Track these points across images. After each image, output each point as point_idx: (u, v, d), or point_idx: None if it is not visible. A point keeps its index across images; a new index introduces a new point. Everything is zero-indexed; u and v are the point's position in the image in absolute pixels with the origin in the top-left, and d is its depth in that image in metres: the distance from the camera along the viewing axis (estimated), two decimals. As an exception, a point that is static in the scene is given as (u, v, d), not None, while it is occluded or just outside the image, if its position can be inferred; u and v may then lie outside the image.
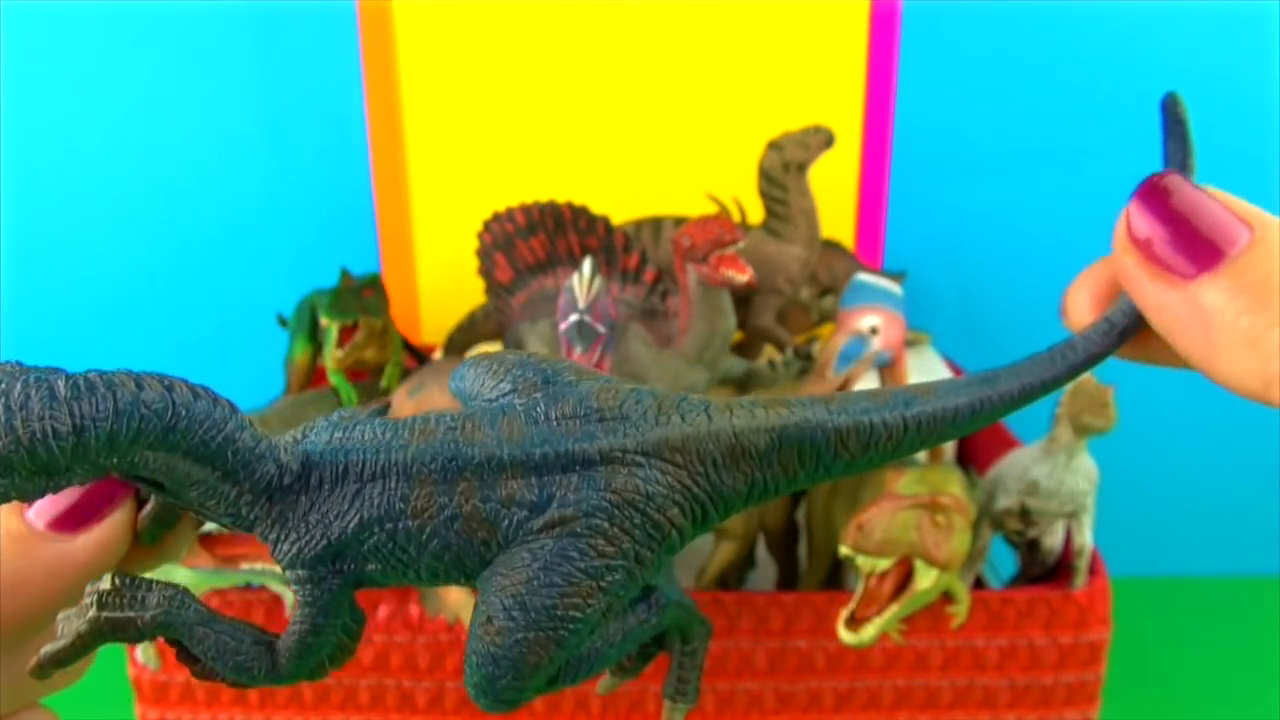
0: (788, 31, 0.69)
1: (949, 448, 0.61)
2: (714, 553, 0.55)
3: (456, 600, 0.48)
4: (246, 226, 0.82)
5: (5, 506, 0.19)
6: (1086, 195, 0.80)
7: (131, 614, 0.19)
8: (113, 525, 0.20)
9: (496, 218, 0.57)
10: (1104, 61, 0.77)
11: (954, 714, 0.50)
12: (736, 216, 0.59)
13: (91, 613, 0.19)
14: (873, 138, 0.71)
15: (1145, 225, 0.21)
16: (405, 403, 0.55)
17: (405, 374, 0.59)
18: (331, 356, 0.58)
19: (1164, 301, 0.19)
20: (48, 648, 0.19)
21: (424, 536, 0.20)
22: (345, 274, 0.59)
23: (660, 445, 0.20)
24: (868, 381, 0.56)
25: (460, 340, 0.63)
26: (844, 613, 0.45)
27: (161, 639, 0.20)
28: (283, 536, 0.20)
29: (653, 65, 0.70)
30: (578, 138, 0.71)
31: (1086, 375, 0.51)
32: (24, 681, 0.20)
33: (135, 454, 0.18)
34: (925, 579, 0.44)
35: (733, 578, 0.55)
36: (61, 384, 0.17)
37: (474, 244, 0.58)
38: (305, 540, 0.20)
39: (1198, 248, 0.19)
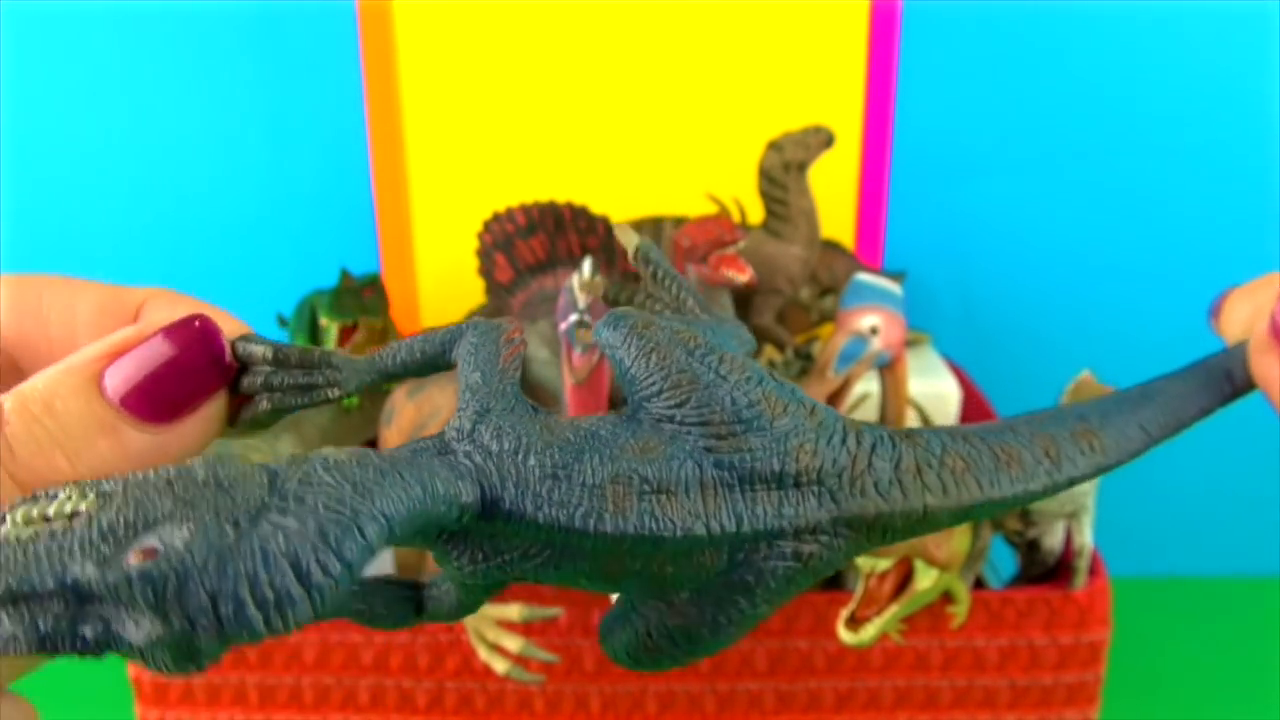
0: (788, 31, 0.69)
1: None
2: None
3: (456, 600, 0.48)
4: (246, 227, 0.82)
5: (81, 388, 0.17)
6: (1087, 195, 0.80)
7: None
8: (206, 417, 0.18)
9: (496, 218, 0.57)
10: (1104, 61, 0.77)
11: (954, 714, 0.50)
12: (736, 216, 0.59)
13: None
14: (873, 138, 0.71)
15: None
16: (405, 403, 0.55)
17: (405, 374, 0.59)
18: (331, 356, 0.57)
19: None
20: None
21: (610, 571, 0.19)
22: (345, 274, 0.59)
23: (853, 520, 0.20)
24: (867, 382, 0.56)
25: (460, 340, 0.63)
26: (844, 613, 0.45)
27: None
28: (463, 555, 0.19)
29: (652, 65, 0.70)
30: (578, 138, 0.71)
31: (1085, 374, 0.51)
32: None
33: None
34: (925, 579, 0.44)
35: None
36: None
37: (474, 244, 0.58)
38: (482, 559, 0.19)
39: None
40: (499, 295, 0.59)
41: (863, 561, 0.44)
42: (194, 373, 0.18)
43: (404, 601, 0.20)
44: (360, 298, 0.58)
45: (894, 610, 0.44)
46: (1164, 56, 0.76)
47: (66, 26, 0.77)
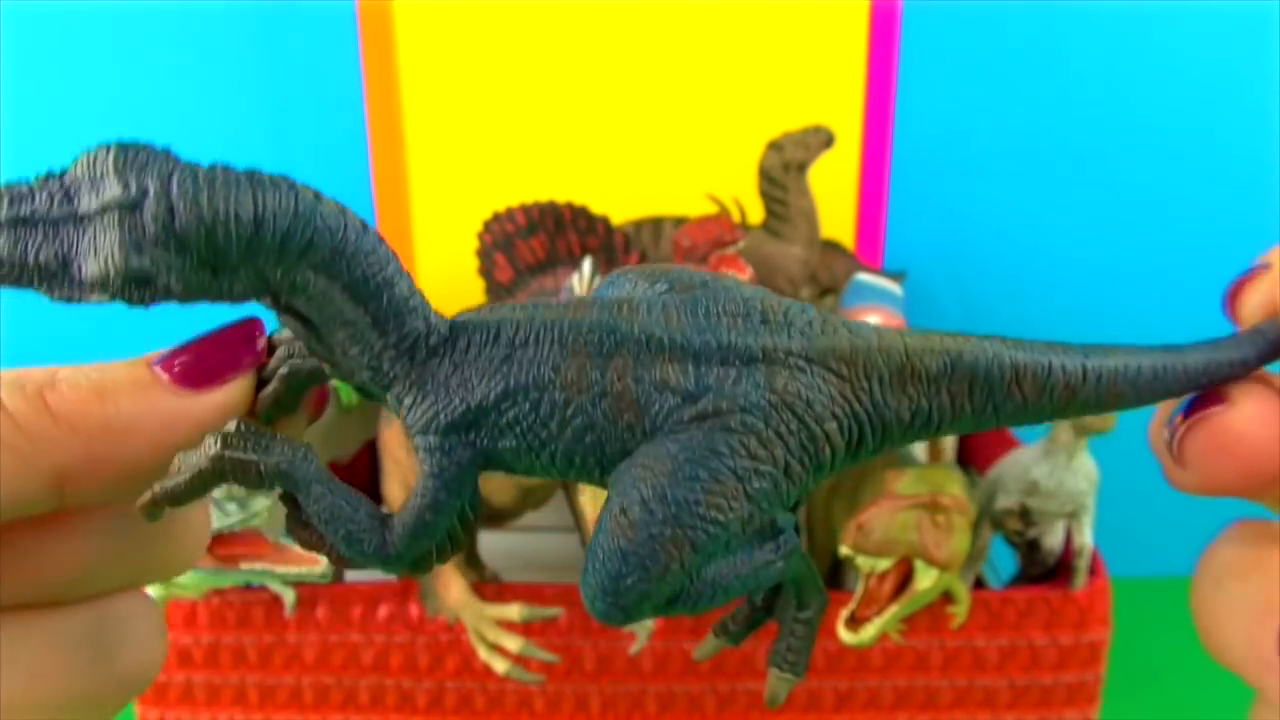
0: (788, 31, 0.69)
1: (949, 448, 0.60)
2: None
3: (457, 600, 0.48)
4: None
5: (129, 361, 0.19)
6: (1087, 195, 0.80)
7: (254, 457, 0.19)
8: (234, 390, 0.19)
9: (496, 218, 0.57)
10: (1104, 61, 0.77)
11: (954, 714, 0.50)
12: (736, 216, 0.59)
13: (214, 450, 0.18)
14: (873, 138, 0.71)
15: None
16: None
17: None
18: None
19: None
20: (162, 483, 0.18)
21: (569, 412, 0.19)
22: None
23: (826, 353, 0.19)
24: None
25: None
26: (844, 613, 0.45)
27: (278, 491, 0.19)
28: (419, 399, 0.19)
29: (652, 65, 0.70)
30: (578, 138, 0.71)
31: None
32: (126, 557, 0.20)
33: (299, 272, 0.18)
34: (925, 579, 0.44)
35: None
36: (244, 175, 0.17)
37: (474, 244, 0.58)
38: (443, 404, 0.19)
39: None
40: (499, 295, 0.59)
41: (863, 561, 0.44)
42: (229, 350, 0.19)
43: (372, 520, 0.19)
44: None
45: (894, 610, 0.44)
46: (1164, 56, 0.76)
47: (66, 26, 0.77)
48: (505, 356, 0.19)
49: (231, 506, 0.46)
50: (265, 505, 0.47)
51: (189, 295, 0.17)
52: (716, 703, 0.50)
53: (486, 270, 0.58)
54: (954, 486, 0.47)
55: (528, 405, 0.19)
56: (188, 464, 0.18)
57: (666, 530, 0.18)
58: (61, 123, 0.79)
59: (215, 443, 0.18)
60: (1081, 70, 0.77)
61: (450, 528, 0.20)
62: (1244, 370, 0.19)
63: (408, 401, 0.19)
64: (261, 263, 0.17)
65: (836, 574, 0.55)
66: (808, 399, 0.19)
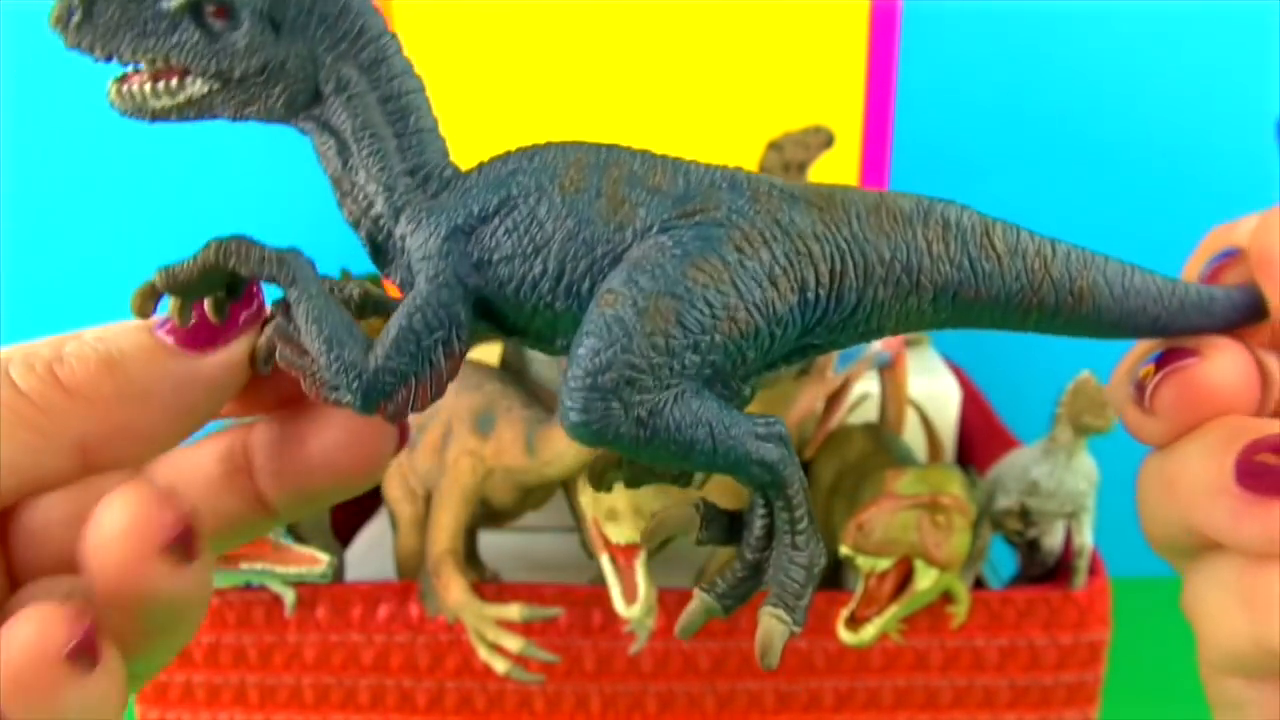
0: (788, 31, 0.69)
1: (949, 448, 0.61)
2: (714, 552, 0.55)
3: (457, 600, 0.48)
4: (247, 226, 0.82)
5: (132, 324, 0.19)
6: (1087, 195, 0.80)
7: (258, 245, 0.20)
8: (239, 348, 0.20)
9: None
10: (1104, 62, 0.77)
11: (954, 714, 0.50)
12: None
13: (216, 241, 0.19)
14: (873, 138, 0.71)
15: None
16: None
17: (405, 374, 0.59)
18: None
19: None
20: (166, 268, 0.19)
21: (564, 210, 0.19)
22: (345, 274, 0.59)
23: (806, 190, 0.20)
24: (867, 382, 0.56)
25: (460, 340, 0.63)
26: (844, 613, 0.45)
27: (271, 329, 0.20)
28: (424, 223, 0.20)
29: (652, 65, 0.70)
30: (578, 137, 0.71)
31: (1085, 375, 0.51)
32: None
33: (345, 65, 0.19)
34: (925, 579, 0.44)
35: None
36: None
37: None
38: (446, 217, 0.20)
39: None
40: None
41: (863, 561, 0.44)
42: (232, 319, 0.20)
43: (356, 333, 0.19)
44: (360, 298, 0.58)
45: (894, 610, 0.44)
46: (1164, 56, 0.76)
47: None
48: (511, 172, 0.20)
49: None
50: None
51: (247, 65, 0.18)
52: (716, 703, 0.50)
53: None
54: (954, 486, 0.47)
55: (525, 209, 0.20)
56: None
57: (654, 301, 0.19)
58: (61, 122, 0.79)
59: (217, 238, 0.19)
60: (1081, 70, 0.77)
61: (431, 355, 0.19)
62: (1212, 324, 0.20)
63: (413, 228, 0.20)
64: (316, 38, 0.19)
65: (836, 574, 0.55)
66: (791, 217, 0.20)
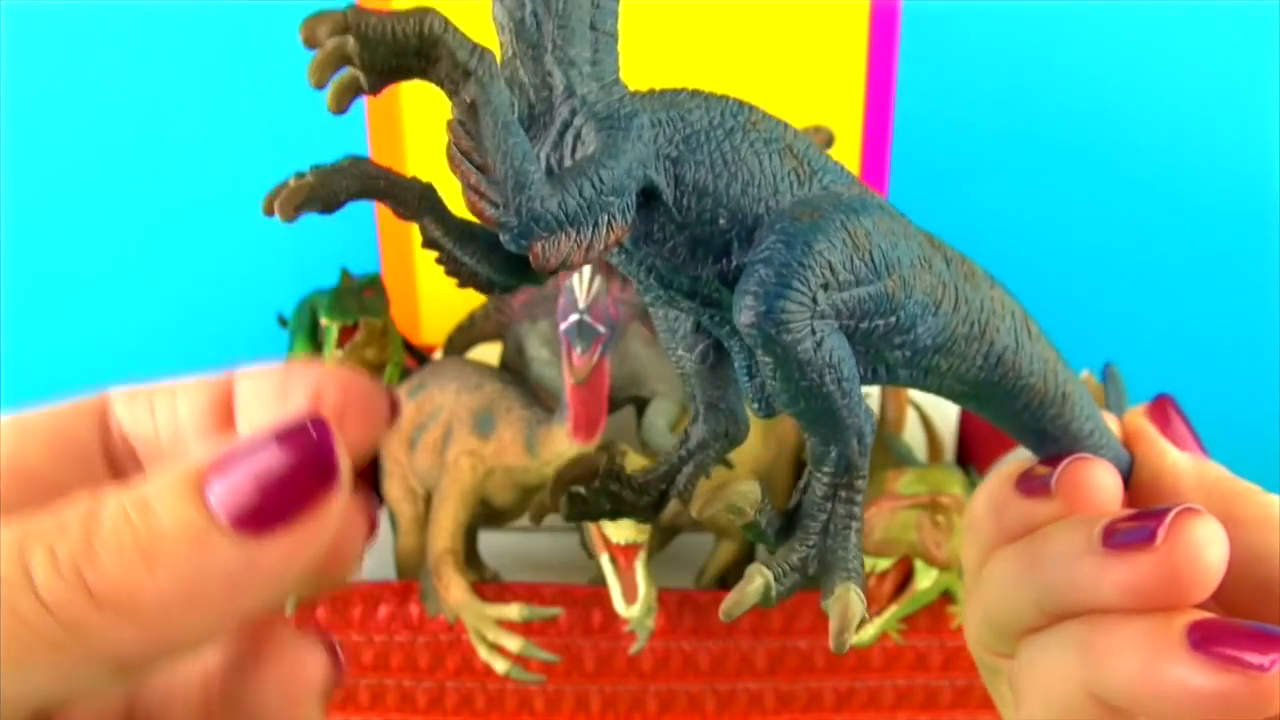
0: (788, 31, 0.69)
1: (949, 448, 0.61)
2: (714, 552, 0.55)
3: (457, 600, 0.48)
4: (247, 226, 0.82)
5: (177, 488, 0.15)
6: (1087, 196, 0.80)
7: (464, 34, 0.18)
8: (312, 533, 0.16)
9: (497, 217, 0.57)
10: (1104, 61, 0.77)
11: (954, 714, 0.50)
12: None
13: (425, 11, 0.18)
14: (873, 138, 0.71)
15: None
16: (406, 403, 0.55)
17: (405, 374, 0.59)
18: (331, 356, 0.58)
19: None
20: (358, 15, 0.17)
21: (751, 150, 0.20)
22: (345, 274, 0.59)
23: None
24: (868, 381, 0.56)
25: (460, 340, 0.63)
26: (844, 613, 0.45)
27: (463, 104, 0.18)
28: (625, 102, 0.20)
29: (652, 65, 0.70)
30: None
31: (1085, 375, 0.51)
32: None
33: None
34: (925, 579, 0.44)
35: (733, 577, 0.55)
36: None
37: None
38: (648, 106, 0.20)
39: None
40: (499, 295, 0.59)
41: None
42: (301, 474, 0.16)
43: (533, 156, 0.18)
44: (360, 298, 0.58)
45: (894, 610, 0.44)
46: (1164, 56, 0.76)
47: (66, 26, 0.77)
48: (695, 105, 0.21)
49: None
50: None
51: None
52: (716, 702, 0.50)
53: (486, 270, 0.58)
54: (954, 486, 0.47)
55: (720, 134, 0.21)
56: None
57: (854, 225, 0.20)
58: (61, 122, 0.79)
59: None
60: (1081, 70, 0.77)
61: (600, 213, 0.18)
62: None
63: (604, 105, 0.20)
64: None
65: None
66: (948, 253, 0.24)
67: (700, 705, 0.50)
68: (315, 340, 0.63)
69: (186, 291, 0.84)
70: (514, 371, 0.57)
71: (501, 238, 0.18)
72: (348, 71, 0.17)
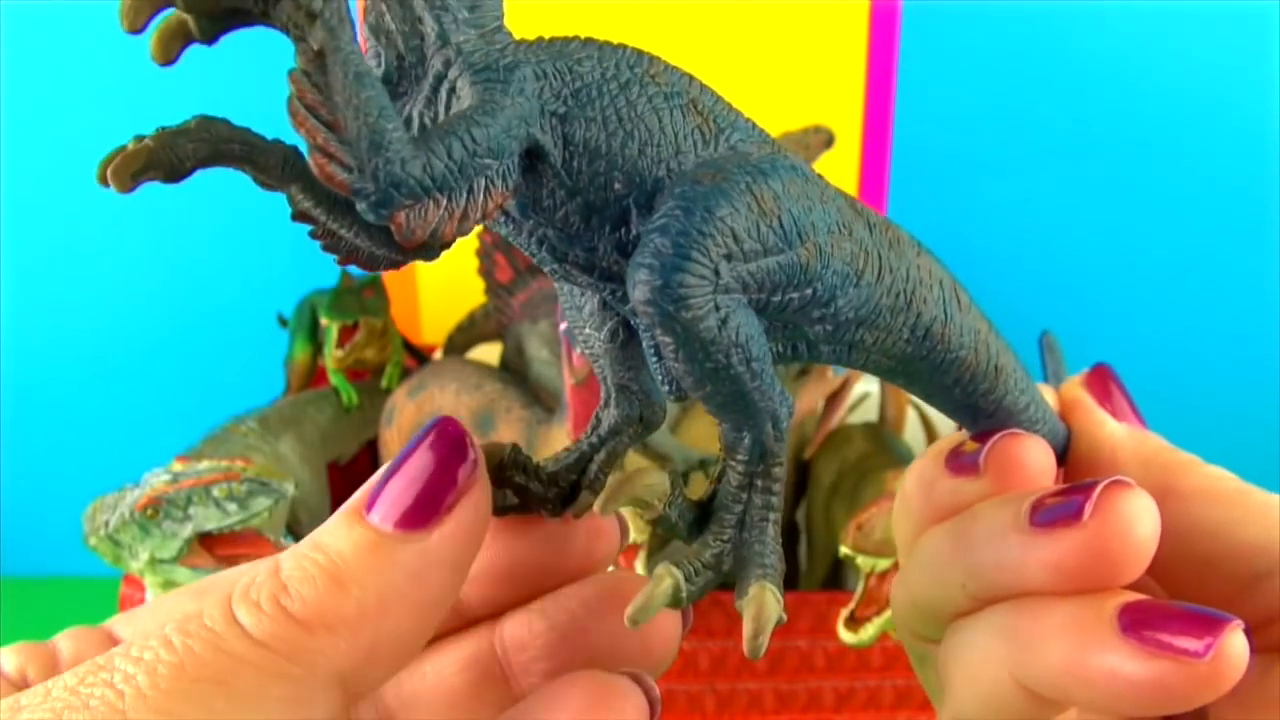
0: (788, 31, 0.69)
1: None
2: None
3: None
4: (247, 226, 0.82)
5: (341, 521, 0.17)
6: (1087, 196, 0.80)
7: None
8: (470, 509, 0.17)
9: (497, 217, 0.57)
10: (1104, 61, 0.77)
11: (954, 714, 0.50)
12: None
13: None
14: (873, 138, 0.71)
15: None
16: (406, 403, 0.55)
17: (405, 374, 0.59)
18: (332, 356, 0.58)
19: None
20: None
21: (650, 104, 0.19)
22: (345, 274, 0.59)
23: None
24: (868, 382, 0.56)
25: (460, 340, 0.63)
26: (844, 613, 0.45)
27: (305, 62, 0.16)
28: (505, 53, 0.19)
29: (653, 65, 0.70)
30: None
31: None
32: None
33: None
34: (925, 579, 0.44)
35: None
36: None
37: (474, 244, 0.58)
38: (532, 57, 0.19)
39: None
40: (499, 295, 0.59)
41: (863, 561, 0.44)
42: (439, 467, 0.17)
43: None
44: (360, 298, 0.58)
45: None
46: (1164, 56, 0.76)
47: (66, 26, 0.77)
48: (589, 54, 0.20)
49: (232, 506, 0.46)
50: (266, 505, 0.47)
51: None
52: (716, 702, 0.50)
53: (486, 270, 0.58)
54: (954, 486, 0.47)
55: (614, 86, 0.19)
56: None
57: (761, 188, 0.18)
58: (61, 122, 0.79)
59: None
60: (1081, 70, 0.77)
61: (475, 178, 0.17)
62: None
63: (483, 54, 0.18)
64: None
65: (837, 574, 0.55)
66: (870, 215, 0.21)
67: (700, 705, 0.50)
68: (315, 340, 0.63)
69: (187, 291, 0.84)
70: (514, 371, 0.57)
71: (358, 206, 0.16)
72: (172, 14, 0.15)
